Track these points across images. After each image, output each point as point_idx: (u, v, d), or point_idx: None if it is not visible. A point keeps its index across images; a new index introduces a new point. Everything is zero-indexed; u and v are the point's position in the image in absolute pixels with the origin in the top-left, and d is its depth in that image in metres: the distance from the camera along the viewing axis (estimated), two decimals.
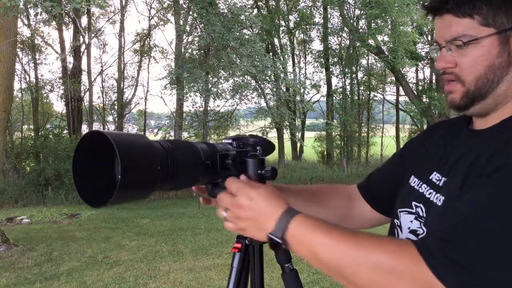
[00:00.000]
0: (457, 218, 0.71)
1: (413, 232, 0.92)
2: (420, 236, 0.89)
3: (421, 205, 0.92)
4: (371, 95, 22.03)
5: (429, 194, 0.90)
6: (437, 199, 0.86)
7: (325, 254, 0.75)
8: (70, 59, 16.89)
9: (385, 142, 21.79)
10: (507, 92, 0.83)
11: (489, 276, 0.66)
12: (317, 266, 0.77)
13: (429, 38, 17.97)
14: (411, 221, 0.93)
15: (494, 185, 0.70)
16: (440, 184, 0.88)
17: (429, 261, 0.67)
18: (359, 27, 18.55)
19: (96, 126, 18.12)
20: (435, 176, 0.91)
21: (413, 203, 0.94)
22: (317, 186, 1.21)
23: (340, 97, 19.79)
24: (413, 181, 0.98)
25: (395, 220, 0.99)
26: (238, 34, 13.08)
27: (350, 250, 0.72)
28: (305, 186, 1.19)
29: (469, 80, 0.83)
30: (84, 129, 17.03)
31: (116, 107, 17.78)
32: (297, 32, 20.12)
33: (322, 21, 19.33)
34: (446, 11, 0.84)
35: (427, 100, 16.95)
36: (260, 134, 16.75)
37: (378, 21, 16.46)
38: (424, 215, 0.90)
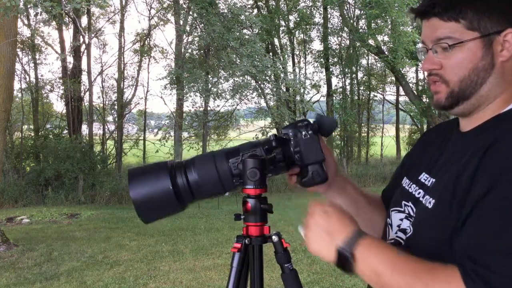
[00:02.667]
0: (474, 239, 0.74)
1: (403, 230, 0.94)
2: (408, 239, 0.92)
3: (410, 204, 0.94)
4: (371, 95, 22.04)
5: (418, 194, 0.93)
6: (427, 200, 0.88)
7: (387, 276, 0.79)
8: (70, 59, 16.91)
9: (385, 142, 21.78)
10: (490, 93, 0.86)
11: None
12: (377, 285, 0.82)
13: None
14: (401, 219, 0.96)
15: (492, 209, 0.73)
16: (429, 185, 0.91)
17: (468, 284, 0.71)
18: (359, 27, 18.54)
19: (96, 126, 18.12)
20: (423, 176, 0.94)
21: (403, 202, 0.97)
22: (371, 194, 1.26)
23: (340, 97, 19.78)
24: (405, 182, 1.02)
25: (388, 219, 1.03)
26: (238, 34, 13.08)
27: (407, 275, 0.78)
28: (365, 191, 1.23)
29: (453, 81, 0.86)
30: (84, 129, 17.04)
31: (116, 107, 17.76)
32: (297, 32, 20.11)
33: (322, 21, 19.32)
34: (433, 14, 0.87)
35: (427, 100, 16.95)
36: (260, 135, 16.72)
37: (378, 21, 16.46)
38: (414, 215, 0.93)
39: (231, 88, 15.16)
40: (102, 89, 18.59)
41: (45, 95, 18.66)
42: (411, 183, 0.98)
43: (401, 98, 21.52)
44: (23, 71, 17.12)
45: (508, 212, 0.71)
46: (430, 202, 0.87)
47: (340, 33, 19.79)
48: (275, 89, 14.57)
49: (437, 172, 0.91)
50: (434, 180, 0.90)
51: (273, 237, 1.03)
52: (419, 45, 0.93)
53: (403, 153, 22.50)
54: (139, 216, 0.93)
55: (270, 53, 16.99)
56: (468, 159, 0.81)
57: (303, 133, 0.95)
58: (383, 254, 0.81)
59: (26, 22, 15.96)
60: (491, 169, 0.75)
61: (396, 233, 0.96)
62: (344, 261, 0.83)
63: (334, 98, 19.34)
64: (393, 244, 0.95)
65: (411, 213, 0.93)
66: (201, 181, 0.92)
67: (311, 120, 0.98)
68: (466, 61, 0.84)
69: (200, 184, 0.92)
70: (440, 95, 0.89)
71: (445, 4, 0.86)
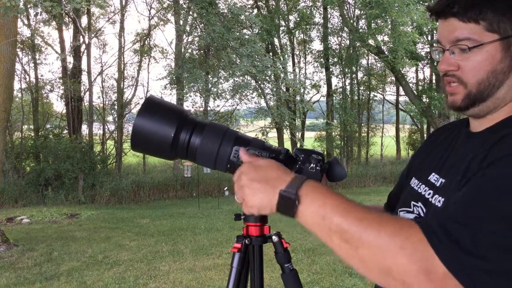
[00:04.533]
0: (455, 203, 0.73)
1: None
2: None
3: (420, 205, 0.93)
4: (371, 95, 22.05)
5: (428, 194, 0.92)
6: (436, 200, 0.87)
7: (336, 217, 0.73)
8: (70, 59, 16.90)
9: (385, 142, 21.79)
10: (506, 96, 0.85)
11: (488, 254, 0.65)
12: (321, 230, 0.75)
13: (429, 38, 17.95)
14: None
15: (491, 174, 0.72)
16: (438, 185, 0.90)
17: (430, 237, 0.68)
18: (359, 27, 18.54)
19: (96, 126, 18.11)
20: (433, 177, 0.93)
21: (412, 202, 0.96)
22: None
23: (340, 97, 19.79)
24: (413, 182, 1.00)
25: None
26: (238, 34, 13.09)
27: (359, 219, 0.72)
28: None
29: (471, 83, 0.85)
30: (84, 129, 17.03)
31: (116, 107, 17.77)
32: (297, 32, 20.11)
33: (322, 21, 19.33)
34: (451, 14, 0.84)
35: (427, 100, 16.93)
36: (260, 134, 16.74)
37: (378, 21, 16.45)
38: (424, 215, 0.91)
39: (231, 88, 15.17)
40: (102, 89, 18.62)
41: (45, 95, 18.69)
42: (420, 183, 0.97)
43: (401, 98, 21.56)
44: (23, 71, 17.15)
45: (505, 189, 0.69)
46: (440, 201, 0.86)
47: (340, 33, 19.80)
48: (275, 89, 14.57)
49: (447, 172, 0.90)
50: (444, 180, 0.89)
51: (273, 237, 1.03)
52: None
53: (403, 153, 22.52)
54: (131, 141, 0.96)
55: (270, 53, 16.99)
56: (474, 155, 0.81)
57: (312, 165, 0.93)
58: (331, 195, 0.75)
59: (26, 22, 15.99)
60: (495, 156, 0.74)
61: None
62: (288, 205, 0.76)
63: (334, 98, 19.34)
64: None
65: (421, 214, 0.92)
66: (200, 149, 0.93)
67: (326, 159, 0.96)
68: (485, 63, 0.83)
69: (197, 151, 0.94)
70: (457, 96, 0.87)
71: (464, 4, 0.83)
